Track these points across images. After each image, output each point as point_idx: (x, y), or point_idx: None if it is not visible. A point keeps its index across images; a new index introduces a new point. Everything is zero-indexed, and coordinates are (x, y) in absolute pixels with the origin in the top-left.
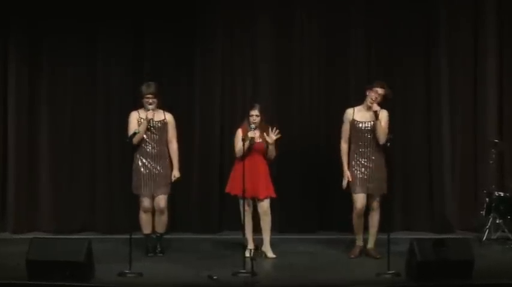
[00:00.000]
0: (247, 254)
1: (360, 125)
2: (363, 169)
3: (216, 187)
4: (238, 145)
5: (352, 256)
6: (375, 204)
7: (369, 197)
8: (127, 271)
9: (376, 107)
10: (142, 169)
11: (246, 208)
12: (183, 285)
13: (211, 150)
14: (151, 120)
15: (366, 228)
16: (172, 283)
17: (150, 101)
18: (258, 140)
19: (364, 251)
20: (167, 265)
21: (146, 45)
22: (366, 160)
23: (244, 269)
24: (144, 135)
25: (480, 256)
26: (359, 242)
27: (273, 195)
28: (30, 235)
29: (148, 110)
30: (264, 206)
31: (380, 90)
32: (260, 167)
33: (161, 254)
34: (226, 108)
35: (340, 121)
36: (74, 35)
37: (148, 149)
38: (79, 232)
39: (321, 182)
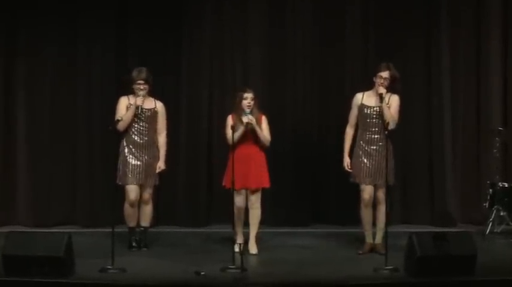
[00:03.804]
0: (236, 249)
1: (367, 110)
2: (370, 158)
3: (204, 178)
4: (229, 133)
5: (360, 252)
6: (381, 196)
7: (375, 188)
8: (109, 267)
9: (382, 89)
10: (129, 159)
11: (237, 199)
12: (169, 281)
13: (199, 140)
14: (140, 108)
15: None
16: (157, 279)
17: (142, 87)
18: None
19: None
20: (152, 260)
21: (130, 28)
22: (373, 147)
23: (233, 264)
24: (134, 123)
25: (483, 250)
26: (368, 239)
27: (266, 185)
28: (7, 229)
29: (139, 97)
30: (252, 198)
31: (384, 74)
32: (253, 157)
33: (145, 249)
34: (215, 97)
35: (335, 110)
36: (53, 16)
37: (136, 139)
38: (58, 226)
39: (314, 173)
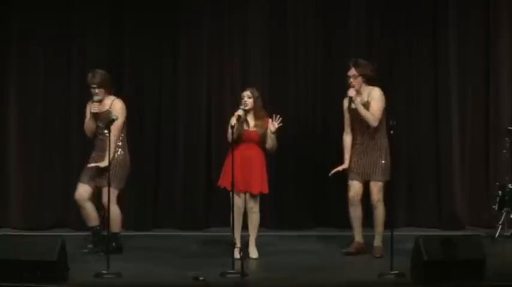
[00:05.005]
0: (236, 254)
1: (354, 112)
2: (359, 156)
3: (203, 179)
4: (229, 131)
5: (344, 251)
6: (375, 198)
7: (368, 187)
8: (104, 272)
9: (350, 92)
10: (90, 160)
11: (237, 202)
12: None
13: (198, 140)
14: (95, 114)
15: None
16: (154, 285)
17: (97, 91)
18: (253, 128)
19: (372, 248)
20: (148, 264)
21: (126, 26)
22: (363, 146)
23: (233, 269)
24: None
25: (492, 254)
26: (357, 238)
27: (266, 191)
28: None
29: (94, 102)
30: (251, 202)
31: (350, 73)
32: (254, 159)
33: (119, 254)
34: (214, 97)
35: (337, 109)
36: (47, 12)
37: (97, 142)
38: (51, 229)
39: (317, 175)
